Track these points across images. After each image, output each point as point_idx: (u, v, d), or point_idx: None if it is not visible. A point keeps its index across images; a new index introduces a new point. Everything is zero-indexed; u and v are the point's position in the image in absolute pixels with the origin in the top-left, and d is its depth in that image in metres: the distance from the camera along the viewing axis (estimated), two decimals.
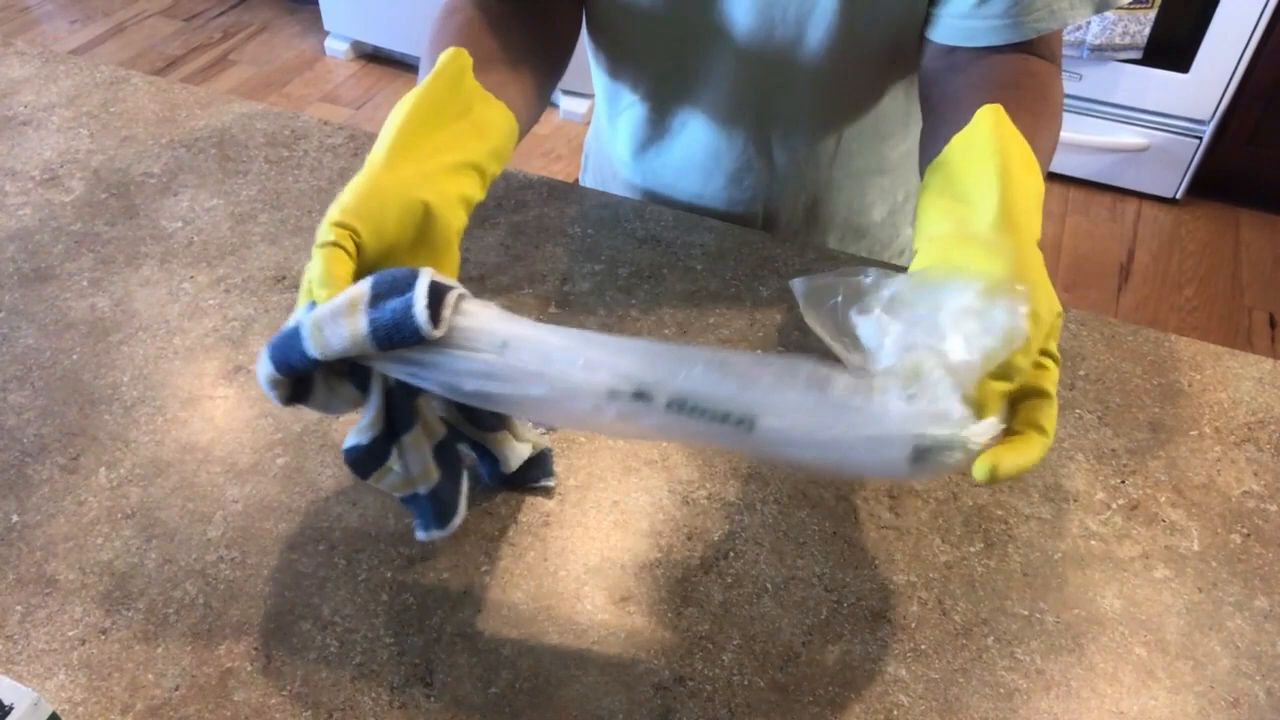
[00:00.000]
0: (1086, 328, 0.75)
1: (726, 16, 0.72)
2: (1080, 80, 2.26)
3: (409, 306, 0.45)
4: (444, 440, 0.55)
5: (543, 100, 0.70)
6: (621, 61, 0.82)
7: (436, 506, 0.55)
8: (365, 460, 0.53)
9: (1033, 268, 0.48)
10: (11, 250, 0.80)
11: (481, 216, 0.83)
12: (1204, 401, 0.69)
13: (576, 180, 1.04)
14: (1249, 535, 0.61)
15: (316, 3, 2.83)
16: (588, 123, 2.66)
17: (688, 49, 0.77)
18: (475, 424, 0.57)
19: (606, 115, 0.91)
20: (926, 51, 0.70)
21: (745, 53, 0.74)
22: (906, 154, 0.86)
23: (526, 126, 0.66)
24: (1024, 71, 0.64)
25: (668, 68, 0.79)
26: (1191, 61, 2.14)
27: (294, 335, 0.47)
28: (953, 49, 0.67)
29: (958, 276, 0.45)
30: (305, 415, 0.67)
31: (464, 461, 0.58)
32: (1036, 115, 0.60)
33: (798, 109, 0.79)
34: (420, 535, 0.57)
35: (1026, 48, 0.66)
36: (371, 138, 0.91)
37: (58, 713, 0.47)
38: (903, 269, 0.52)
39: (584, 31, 0.83)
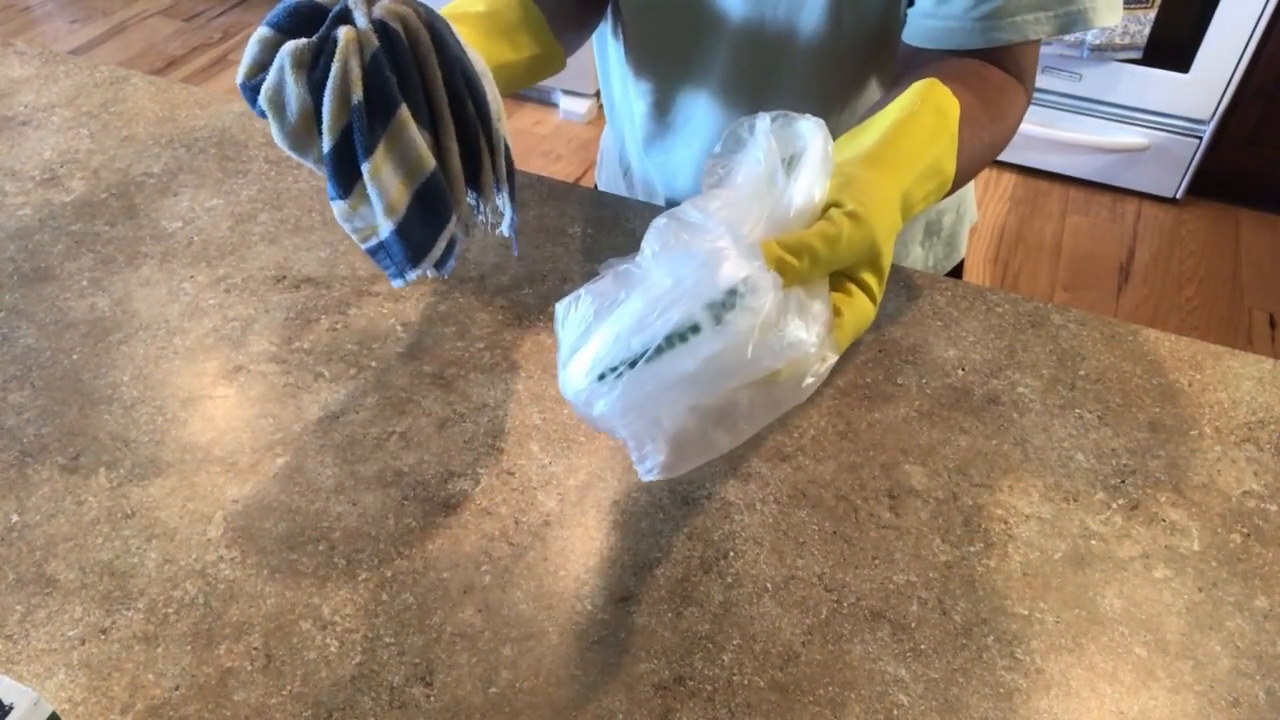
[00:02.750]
0: (1086, 328, 0.75)
1: (721, 6, 0.74)
2: (1080, 80, 2.26)
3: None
4: (429, 178, 0.53)
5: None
6: (629, 53, 0.83)
7: (407, 247, 0.53)
8: (338, 165, 0.51)
9: (870, 194, 0.48)
10: (11, 250, 0.80)
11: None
12: (1204, 401, 0.69)
13: (577, 180, 1.05)
14: (1249, 535, 0.61)
15: None
16: (589, 122, 2.67)
17: (686, 40, 0.78)
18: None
19: (614, 112, 0.92)
20: (899, 52, 0.71)
21: (739, 44, 0.76)
22: None
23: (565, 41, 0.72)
24: (976, 74, 0.65)
25: (668, 60, 0.81)
26: (1191, 61, 2.14)
27: None
28: (919, 50, 0.68)
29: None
30: (305, 415, 0.67)
31: (453, 206, 0.55)
32: (975, 108, 0.60)
33: (791, 103, 0.79)
34: (396, 283, 0.55)
35: (990, 57, 0.66)
36: None
37: (58, 713, 0.47)
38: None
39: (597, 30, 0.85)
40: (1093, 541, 0.61)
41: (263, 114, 0.51)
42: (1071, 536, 0.61)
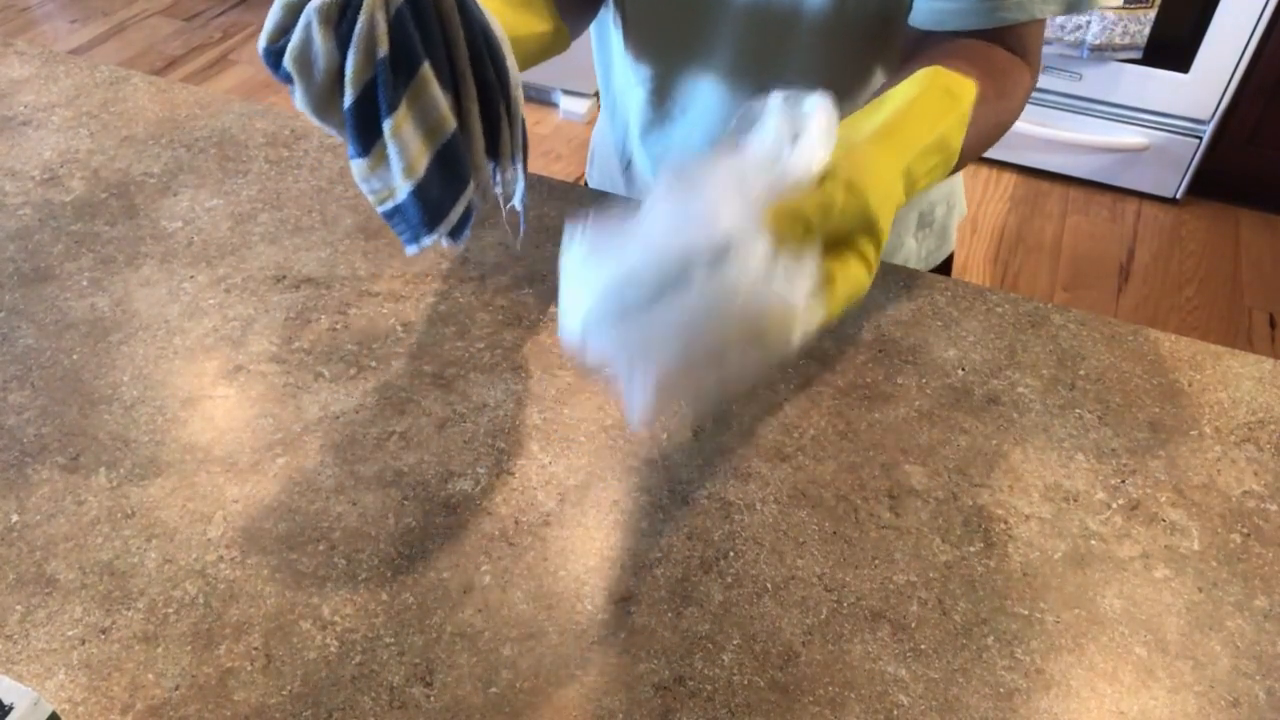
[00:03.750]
0: (1086, 328, 0.75)
1: None
2: (1080, 80, 2.25)
3: None
4: (449, 140, 0.52)
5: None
6: (629, 38, 0.83)
7: (425, 209, 0.53)
8: (359, 116, 0.50)
9: (868, 166, 0.49)
10: (11, 250, 0.80)
11: (481, 216, 0.83)
12: (1204, 401, 0.69)
13: (577, 180, 1.05)
14: (1249, 535, 0.61)
15: None
16: (589, 122, 2.66)
17: (688, 24, 0.78)
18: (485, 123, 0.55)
19: (614, 102, 0.92)
20: (906, 36, 0.72)
21: (742, 28, 0.76)
22: None
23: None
24: (983, 55, 0.66)
25: (670, 45, 0.81)
26: (1191, 61, 2.14)
27: None
28: (926, 34, 0.69)
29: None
30: (305, 415, 0.67)
31: (472, 170, 0.55)
32: (982, 87, 0.61)
33: (793, 89, 0.80)
34: (411, 249, 0.54)
35: (996, 38, 0.67)
36: None
37: (58, 713, 0.47)
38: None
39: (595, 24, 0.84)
40: (1093, 541, 0.61)
41: (286, 78, 0.51)
42: (1071, 536, 0.61)
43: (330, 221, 0.83)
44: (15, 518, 0.61)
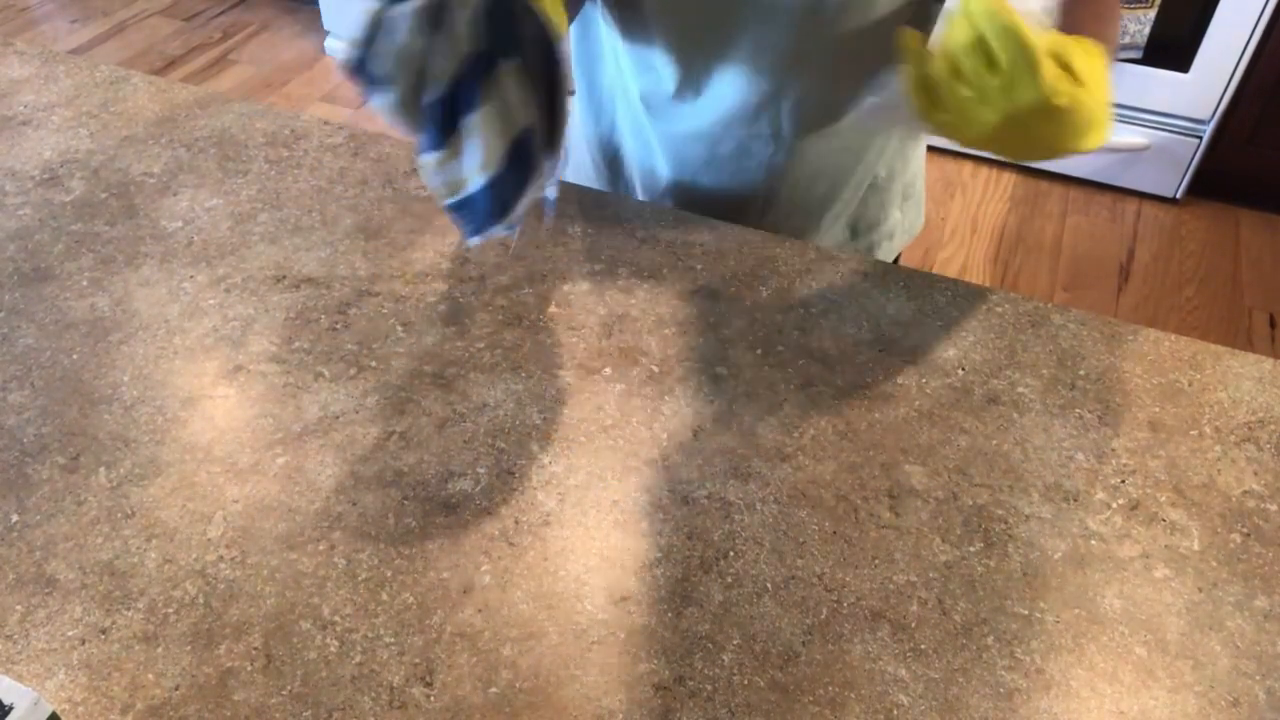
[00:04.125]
0: (1086, 328, 0.75)
1: None
2: None
3: None
4: (521, 135, 0.54)
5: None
6: (651, 25, 0.83)
7: (495, 201, 0.55)
8: (436, 114, 0.52)
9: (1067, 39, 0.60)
10: (11, 250, 0.80)
11: None
12: (1204, 401, 0.69)
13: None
14: (1249, 535, 0.61)
15: (316, 2, 2.83)
16: None
17: (711, 7, 0.77)
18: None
19: (601, 97, 0.92)
20: None
21: (765, 19, 0.76)
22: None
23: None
24: None
25: (694, 28, 0.80)
26: (1191, 61, 2.14)
27: None
28: None
29: None
30: (305, 415, 0.67)
31: (539, 163, 0.57)
32: (1098, 20, 0.65)
33: (817, 74, 0.80)
34: (472, 240, 0.56)
35: None
36: (371, 137, 0.91)
37: (58, 713, 0.47)
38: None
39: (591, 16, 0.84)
40: (1093, 541, 0.61)
41: (372, 83, 0.53)
42: (1071, 536, 0.61)
43: (330, 221, 0.83)
44: (15, 518, 0.61)
